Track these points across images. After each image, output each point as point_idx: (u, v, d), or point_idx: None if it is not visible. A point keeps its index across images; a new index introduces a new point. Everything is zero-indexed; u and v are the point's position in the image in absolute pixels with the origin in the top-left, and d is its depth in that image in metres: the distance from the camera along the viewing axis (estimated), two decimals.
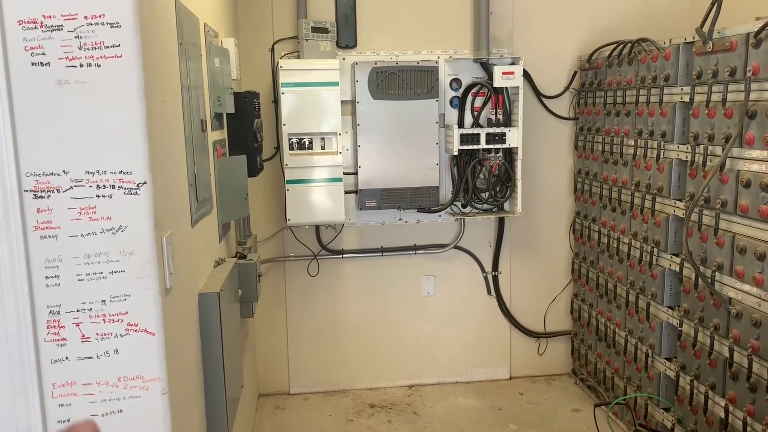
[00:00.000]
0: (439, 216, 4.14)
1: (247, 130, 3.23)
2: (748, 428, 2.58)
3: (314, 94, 3.68)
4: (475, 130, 3.88)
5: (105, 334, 1.71)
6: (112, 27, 1.61)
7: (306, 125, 3.69)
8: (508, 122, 3.96)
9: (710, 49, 2.74)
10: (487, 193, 4.02)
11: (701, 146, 2.84)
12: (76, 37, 1.60)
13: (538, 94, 4.17)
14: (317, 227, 4.09)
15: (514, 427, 3.78)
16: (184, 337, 2.03)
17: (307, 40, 3.77)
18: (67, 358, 1.70)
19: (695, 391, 2.94)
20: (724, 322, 2.72)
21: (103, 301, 1.70)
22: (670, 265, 3.14)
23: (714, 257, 2.77)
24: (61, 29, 1.60)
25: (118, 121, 1.65)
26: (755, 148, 2.52)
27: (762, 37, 2.46)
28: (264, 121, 3.78)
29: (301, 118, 3.68)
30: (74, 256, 1.67)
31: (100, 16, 1.61)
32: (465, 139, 3.86)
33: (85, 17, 1.60)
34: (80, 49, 1.61)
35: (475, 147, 3.88)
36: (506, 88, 3.93)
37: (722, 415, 2.73)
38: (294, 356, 4.26)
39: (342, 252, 4.17)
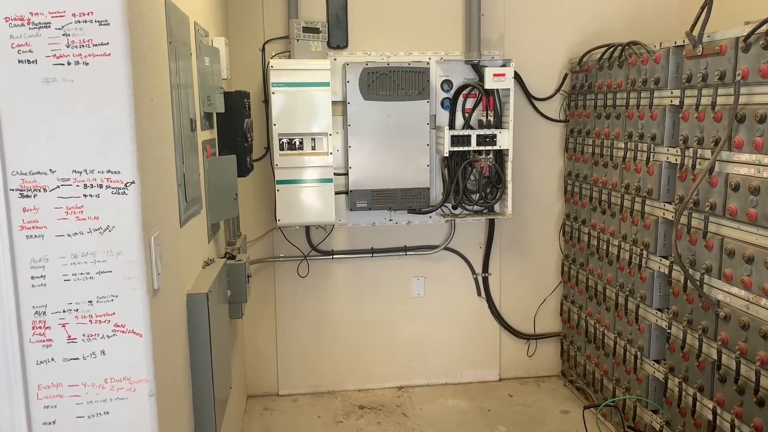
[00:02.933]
0: (430, 217, 4.13)
1: (237, 129, 3.21)
2: (736, 430, 2.59)
3: (305, 94, 3.66)
4: (466, 132, 3.88)
5: (92, 335, 1.69)
6: (100, 25, 1.60)
7: (297, 125, 3.68)
8: (498, 124, 3.96)
9: (700, 53, 2.75)
10: (478, 194, 4.02)
11: (691, 149, 2.86)
12: (63, 35, 1.59)
13: (529, 96, 4.18)
14: (307, 228, 4.08)
15: (503, 428, 3.78)
16: (172, 338, 2.02)
17: (298, 40, 3.76)
18: (52, 359, 1.68)
19: (684, 393, 2.95)
20: (713, 324, 2.73)
21: (90, 301, 1.68)
22: (660, 268, 3.15)
23: (703, 260, 2.78)
24: (49, 26, 1.58)
25: (107, 119, 1.63)
26: (744, 152, 2.53)
27: (751, 42, 2.47)
28: (254, 121, 3.76)
29: (292, 118, 3.66)
30: (61, 256, 1.65)
31: (88, 14, 1.59)
32: (456, 140, 3.86)
33: (73, 15, 1.58)
34: (68, 47, 1.59)
35: (466, 148, 3.88)
36: (497, 89, 3.93)
37: (710, 417, 2.74)
38: (283, 357, 4.24)
39: (332, 253, 4.16)
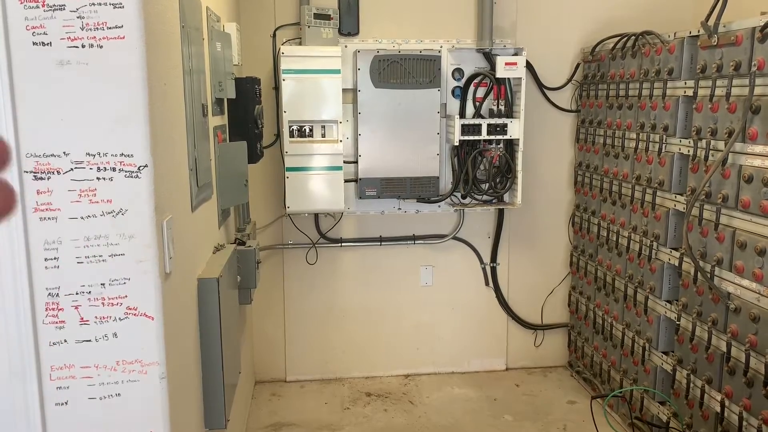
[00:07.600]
0: (439, 206, 4.13)
1: (248, 116, 3.21)
2: (744, 422, 2.59)
3: (315, 81, 3.65)
4: (477, 121, 3.86)
5: (104, 318, 1.70)
6: (114, 7, 1.59)
7: (307, 113, 3.67)
8: (509, 113, 3.95)
9: (715, 43, 2.73)
10: (487, 184, 4.01)
11: (703, 141, 2.83)
12: (78, 17, 1.58)
13: (541, 86, 4.16)
14: (316, 215, 4.08)
15: (509, 418, 3.79)
16: (183, 321, 2.03)
17: (309, 27, 3.74)
18: (65, 340, 1.69)
19: (692, 385, 2.95)
20: (723, 316, 2.72)
21: (103, 284, 1.69)
22: (670, 259, 3.14)
23: (714, 252, 2.76)
24: (63, 9, 1.58)
25: (120, 103, 1.63)
26: (758, 144, 2.51)
27: None
28: (264, 107, 3.76)
29: (302, 105, 3.66)
30: (74, 239, 1.66)
31: None
32: (466, 129, 3.84)
33: None
34: (82, 30, 1.59)
35: (477, 138, 3.87)
36: (508, 78, 3.91)
37: (718, 409, 2.74)
38: (291, 344, 4.26)
39: (341, 241, 4.16)
